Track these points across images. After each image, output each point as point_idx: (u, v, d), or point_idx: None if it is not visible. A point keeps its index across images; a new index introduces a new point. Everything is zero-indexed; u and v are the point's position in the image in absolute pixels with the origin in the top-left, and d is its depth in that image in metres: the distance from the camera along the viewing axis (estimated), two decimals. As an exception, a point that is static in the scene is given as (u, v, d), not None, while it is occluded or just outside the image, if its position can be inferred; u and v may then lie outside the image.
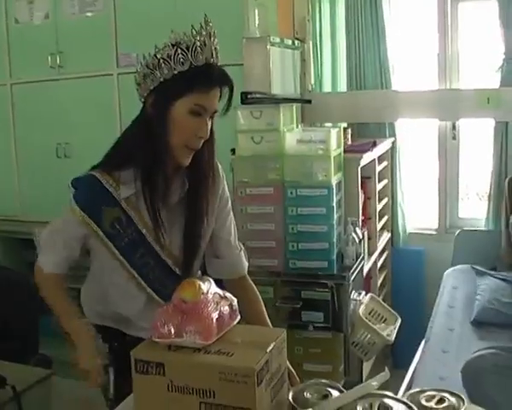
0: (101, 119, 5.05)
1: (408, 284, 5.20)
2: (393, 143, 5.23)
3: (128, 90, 4.29)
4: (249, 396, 1.76)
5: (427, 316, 4.40)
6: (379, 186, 4.86)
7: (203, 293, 1.92)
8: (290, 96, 4.60)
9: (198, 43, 2.17)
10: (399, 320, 4.10)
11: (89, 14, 5.02)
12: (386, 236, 5.17)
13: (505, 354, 2.91)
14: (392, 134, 5.25)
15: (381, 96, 5.18)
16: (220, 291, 1.98)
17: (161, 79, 2.18)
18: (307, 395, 1.91)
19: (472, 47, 5.29)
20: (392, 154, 5.25)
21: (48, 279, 2.40)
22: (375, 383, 1.88)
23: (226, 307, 1.96)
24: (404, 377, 3.67)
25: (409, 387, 3.37)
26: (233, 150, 3.94)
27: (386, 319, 4.11)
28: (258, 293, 2.63)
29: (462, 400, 1.83)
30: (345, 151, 4.14)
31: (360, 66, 5.24)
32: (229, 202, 2.62)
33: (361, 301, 3.96)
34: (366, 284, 4.48)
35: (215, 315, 1.90)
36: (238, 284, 2.56)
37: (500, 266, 4.65)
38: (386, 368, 1.96)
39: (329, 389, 1.92)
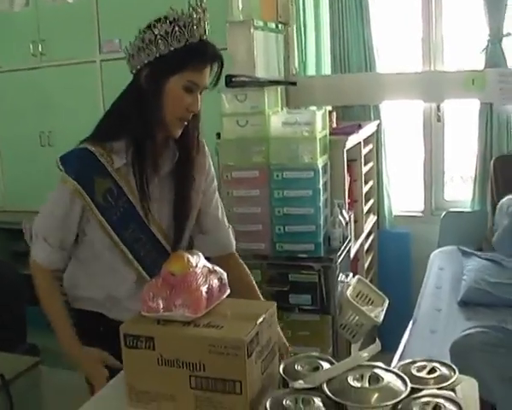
0: (84, 106, 5.01)
1: (394, 266, 5.22)
2: (378, 125, 5.23)
3: (111, 76, 4.26)
4: (239, 368, 1.78)
5: (414, 297, 4.42)
6: (365, 169, 4.86)
7: (192, 266, 1.94)
8: (275, 79, 4.59)
9: (194, 21, 2.21)
10: (387, 302, 4.10)
11: (70, 0, 4.95)
12: (372, 218, 5.18)
13: (492, 332, 2.93)
14: (377, 117, 5.25)
15: (365, 79, 5.19)
16: (209, 265, 2.00)
17: (157, 55, 2.21)
18: (298, 367, 1.92)
19: (456, 29, 5.30)
20: (377, 136, 5.26)
21: (44, 279, 2.40)
22: (365, 354, 1.89)
23: (215, 281, 1.98)
24: (392, 359, 3.67)
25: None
26: (218, 134, 3.92)
27: (373, 301, 4.11)
28: (248, 270, 2.68)
29: (454, 370, 1.85)
30: (330, 134, 4.12)
31: (344, 49, 5.24)
32: (215, 181, 2.66)
33: (348, 284, 3.96)
34: (353, 266, 4.48)
35: (204, 288, 1.92)
36: (227, 261, 2.56)
37: (486, 246, 4.67)
38: (377, 339, 1.97)
39: (320, 362, 1.94)
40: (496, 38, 4.92)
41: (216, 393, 1.81)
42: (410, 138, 5.62)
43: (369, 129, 4.96)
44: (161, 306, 1.89)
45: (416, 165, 5.52)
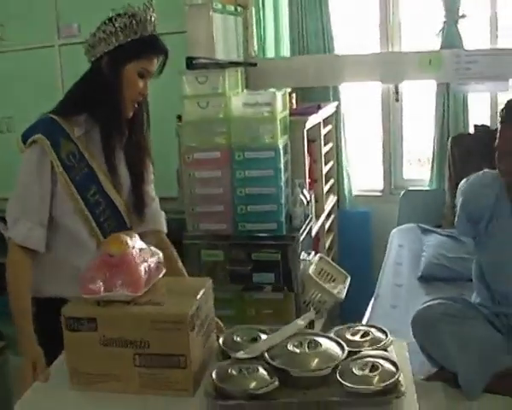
0: (43, 91, 4.90)
1: (355, 244, 5.29)
2: (338, 106, 5.30)
3: (70, 60, 4.25)
4: (183, 343, 1.87)
5: (375, 275, 4.50)
6: (324, 149, 4.92)
7: (129, 246, 2.02)
8: (236, 61, 4.62)
9: (148, 17, 2.53)
10: (349, 278, 4.16)
11: (28, -16, 4.93)
12: (332, 198, 5.25)
13: (452, 303, 3.00)
14: (337, 98, 5.32)
15: (324, 61, 5.23)
16: (145, 245, 2.12)
17: (116, 44, 2.49)
18: (237, 338, 2.02)
19: (413, 11, 5.37)
20: (336, 117, 5.33)
21: (22, 268, 2.45)
22: (301, 322, 2.06)
23: (152, 260, 2.08)
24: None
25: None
26: (179, 117, 3.94)
27: (335, 279, 4.17)
28: (176, 253, 2.80)
29: (386, 333, 2.00)
30: (290, 115, 4.15)
31: (303, 31, 5.30)
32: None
33: (311, 262, 4.01)
34: (315, 245, 4.54)
35: (142, 268, 2.01)
36: (158, 239, 2.73)
37: (445, 223, 4.76)
38: (312, 308, 2.09)
39: (258, 333, 2.04)
40: (452, 19, 5.01)
41: (160, 369, 1.90)
42: (368, 119, 5.69)
43: (328, 110, 5.03)
44: (102, 287, 1.95)
45: (375, 145, 5.59)
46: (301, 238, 3.91)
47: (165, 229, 2.86)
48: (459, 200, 3.11)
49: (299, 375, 1.81)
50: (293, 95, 4.76)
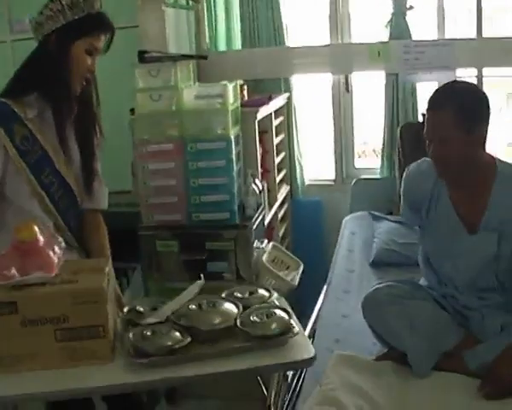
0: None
1: (308, 232, 5.37)
2: (289, 98, 5.37)
3: (23, 56, 4.25)
4: (101, 314, 2.07)
5: (328, 262, 4.53)
6: (276, 140, 5.00)
7: (38, 233, 2.15)
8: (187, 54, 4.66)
9: None
10: (302, 266, 4.21)
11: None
12: (285, 188, 5.32)
13: (399, 285, 3.06)
14: (288, 90, 5.39)
15: (275, 53, 5.31)
16: (46, 232, 2.24)
17: (64, 22, 2.57)
18: (140, 308, 2.28)
19: (362, 3, 5.46)
20: (288, 109, 5.40)
21: None
22: (195, 288, 2.39)
23: (56, 245, 2.21)
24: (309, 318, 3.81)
25: (313, 329, 3.50)
26: (132, 110, 3.97)
27: (289, 266, 4.21)
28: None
29: (270, 291, 2.41)
30: (242, 106, 4.22)
31: (254, 23, 5.34)
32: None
33: (264, 250, 4.07)
34: (268, 234, 4.60)
35: (51, 251, 2.16)
36: (96, 217, 2.92)
37: (395, 210, 4.82)
38: (202, 276, 2.46)
39: (157, 303, 2.33)
40: (400, 11, 5.10)
41: (80, 341, 2.06)
42: (320, 109, 5.77)
43: (279, 101, 5.09)
44: (16, 273, 2.05)
45: (326, 135, 5.68)
46: (254, 227, 3.97)
47: (104, 206, 2.98)
48: (401, 189, 3.21)
49: (207, 329, 2.13)
50: (245, 87, 4.82)
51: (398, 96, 5.19)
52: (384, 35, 5.18)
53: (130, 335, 2.08)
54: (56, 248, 2.20)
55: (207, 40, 5.22)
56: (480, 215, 2.84)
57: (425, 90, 5.18)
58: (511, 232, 2.78)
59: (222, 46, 5.36)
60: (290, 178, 5.49)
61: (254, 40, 5.36)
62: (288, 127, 5.42)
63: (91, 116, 2.82)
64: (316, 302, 4.05)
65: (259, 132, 4.45)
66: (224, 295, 2.37)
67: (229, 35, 5.41)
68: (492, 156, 2.87)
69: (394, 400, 2.64)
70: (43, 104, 2.63)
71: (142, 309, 2.28)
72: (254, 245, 3.99)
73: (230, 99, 3.89)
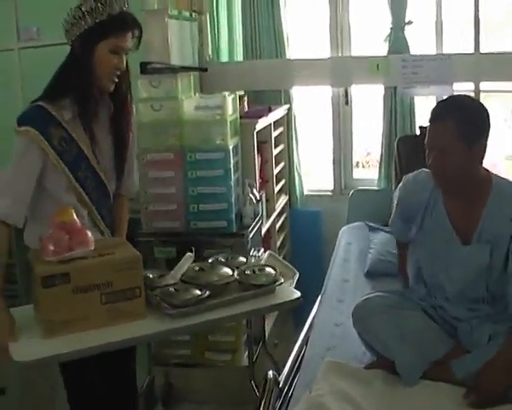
0: (3, 95, 5.00)
1: (306, 243, 5.44)
2: (289, 109, 5.44)
3: (30, 64, 4.28)
4: (138, 278, 2.46)
5: (325, 272, 4.56)
6: (275, 151, 5.07)
7: (74, 215, 2.51)
8: (188, 65, 4.73)
9: None
10: (297, 274, 4.24)
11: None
12: (284, 198, 5.39)
13: (390, 295, 3.12)
14: (288, 101, 5.45)
15: (276, 65, 5.37)
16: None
17: (86, 27, 2.70)
18: (149, 275, 2.67)
19: (363, 17, 5.54)
20: (287, 120, 5.47)
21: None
22: (187, 259, 2.80)
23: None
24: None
25: (307, 337, 3.56)
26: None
27: (284, 275, 4.22)
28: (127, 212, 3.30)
29: (247, 258, 3.00)
30: (241, 117, 4.32)
31: (256, 36, 5.42)
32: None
33: (260, 258, 4.14)
34: (266, 244, 4.68)
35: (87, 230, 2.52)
36: (122, 200, 3.20)
37: (391, 221, 4.89)
38: (193, 249, 2.90)
39: (161, 273, 2.73)
40: (398, 25, 5.17)
41: (122, 302, 2.42)
42: (319, 121, 5.84)
43: (279, 112, 5.17)
44: (64, 249, 2.39)
45: (325, 146, 5.75)
46: (250, 236, 4.05)
47: (133, 194, 3.35)
48: (395, 199, 3.28)
49: (218, 283, 2.60)
50: (245, 97, 4.90)
51: (396, 109, 5.25)
52: (383, 49, 5.24)
53: (158, 293, 2.48)
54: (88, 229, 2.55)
55: (210, 51, 5.29)
56: (474, 227, 2.91)
57: (423, 103, 5.25)
58: (503, 245, 2.85)
59: (224, 57, 5.42)
60: (289, 189, 5.56)
61: (256, 52, 5.44)
62: (287, 138, 5.49)
63: (125, 112, 2.97)
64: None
65: (258, 143, 4.53)
66: (210, 260, 2.91)
67: (232, 46, 5.47)
68: (488, 171, 2.96)
69: (383, 408, 2.70)
70: (76, 107, 2.78)
71: (151, 276, 2.65)
72: (251, 253, 4.05)
73: (229, 110, 3.99)
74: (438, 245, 3.00)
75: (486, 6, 5.13)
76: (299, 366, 3.25)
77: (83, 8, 2.69)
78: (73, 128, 2.78)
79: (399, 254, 3.49)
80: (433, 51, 5.32)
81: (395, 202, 3.32)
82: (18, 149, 2.72)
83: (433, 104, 5.18)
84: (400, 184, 3.26)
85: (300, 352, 3.42)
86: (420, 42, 5.31)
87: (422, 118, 5.17)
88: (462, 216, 2.95)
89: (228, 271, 2.72)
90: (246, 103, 4.86)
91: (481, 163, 2.90)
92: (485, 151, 2.87)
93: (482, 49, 5.14)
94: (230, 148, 3.95)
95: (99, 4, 2.68)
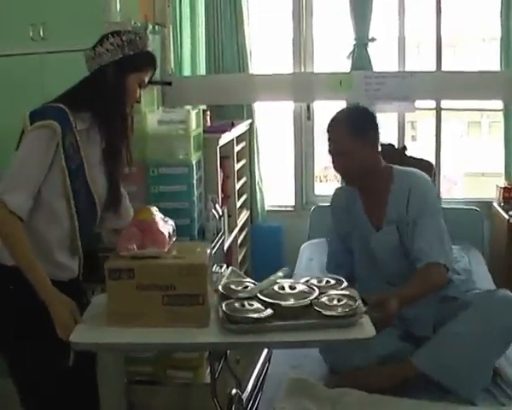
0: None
1: (267, 258, 5.38)
2: (251, 124, 5.46)
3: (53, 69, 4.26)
4: (202, 285, 2.48)
5: (287, 288, 4.58)
6: (237, 166, 5.07)
7: (155, 215, 2.64)
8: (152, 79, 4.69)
9: (145, 34, 2.91)
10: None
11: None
12: (245, 213, 5.39)
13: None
14: (250, 116, 5.48)
15: (238, 80, 5.41)
16: (162, 216, 2.73)
17: (121, 56, 2.75)
18: (233, 286, 2.68)
19: (326, 33, 5.58)
20: (250, 135, 5.49)
21: (17, 228, 2.58)
22: (280, 273, 2.74)
23: (169, 227, 2.66)
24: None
25: (269, 352, 3.54)
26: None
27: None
28: None
29: (341, 280, 2.74)
30: (204, 132, 4.30)
31: (219, 50, 5.45)
32: None
33: (222, 274, 4.10)
34: (228, 259, 4.65)
35: (165, 231, 2.59)
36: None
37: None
38: (287, 267, 2.82)
39: (247, 283, 2.74)
40: (362, 42, 5.22)
41: (183, 307, 2.45)
42: (281, 136, 5.85)
43: (241, 127, 5.18)
44: (135, 246, 2.49)
45: (287, 162, 5.76)
46: (213, 252, 4.02)
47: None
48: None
49: (286, 305, 2.48)
50: (208, 112, 4.89)
51: (359, 124, 5.27)
52: (346, 65, 5.28)
53: (223, 306, 2.45)
54: (170, 230, 2.64)
55: (172, 65, 5.28)
56: (383, 213, 3.22)
57: (385, 120, 5.29)
58: (405, 221, 3.15)
59: (187, 71, 5.42)
60: (250, 204, 5.57)
61: (219, 66, 5.46)
62: (249, 153, 5.51)
63: (126, 144, 2.96)
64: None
65: (221, 158, 4.51)
66: (303, 281, 2.74)
67: (194, 60, 5.46)
68: (388, 164, 3.29)
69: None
70: (94, 122, 2.79)
71: (233, 287, 2.67)
72: (213, 270, 4.02)
73: (193, 125, 3.97)
74: (361, 237, 3.29)
75: (448, 25, 5.20)
76: (262, 384, 3.23)
77: (123, 38, 2.76)
78: (82, 140, 2.76)
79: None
80: (395, 68, 5.36)
81: None
82: (35, 141, 2.65)
83: (396, 121, 5.34)
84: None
85: (263, 369, 3.40)
86: (383, 59, 5.37)
87: (384, 134, 5.20)
88: (374, 206, 3.26)
89: (307, 294, 2.59)
90: (208, 118, 4.84)
91: (379, 156, 3.24)
92: (377, 142, 3.23)
93: (444, 67, 5.21)
94: (194, 163, 3.92)
95: (137, 38, 2.79)
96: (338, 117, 3.23)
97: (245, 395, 3.10)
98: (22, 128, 2.70)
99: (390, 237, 3.18)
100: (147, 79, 2.91)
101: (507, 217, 4.91)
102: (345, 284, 2.69)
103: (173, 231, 2.69)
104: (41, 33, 4.26)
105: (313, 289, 2.61)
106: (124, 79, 2.80)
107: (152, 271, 2.46)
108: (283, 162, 5.92)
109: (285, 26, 5.55)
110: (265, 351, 3.63)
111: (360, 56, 5.24)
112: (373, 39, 5.25)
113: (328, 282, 2.74)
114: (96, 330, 2.48)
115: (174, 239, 2.67)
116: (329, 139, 3.19)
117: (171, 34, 5.25)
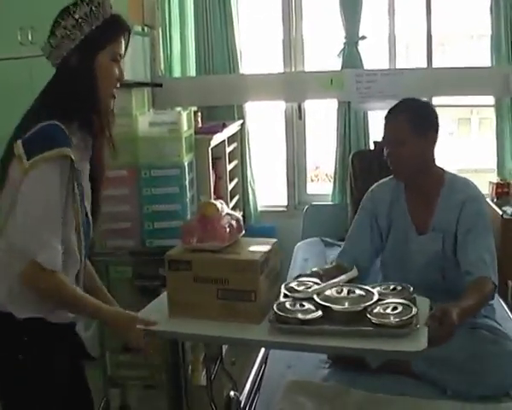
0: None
1: (261, 259, 5.36)
2: (242, 124, 5.43)
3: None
4: (254, 282, 2.47)
5: (281, 289, 4.56)
6: (229, 167, 5.05)
7: (219, 210, 2.66)
8: (141, 81, 4.68)
9: None
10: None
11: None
12: (238, 214, 5.33)
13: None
14: (241, 116, 5.45)
15: (229, 80, 5.38)
16: (229, 210, 2.75)
17: (82, 37, 2.32)
18: (297, 287, 2.65)
19: (316, 32, 5.56)
20: (241, 135, 5.46)
21: (65, 287, 2.31)
22: (345, 277, 2.73)
23: (234, 222, 2.66)
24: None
25: (266, 353, 3.52)
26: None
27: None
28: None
29: (409, 287, 2.60)
30: (195, 133, 4.28)
31: (209, 51, 5.40)
32: None
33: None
34: (221, 260, 4.63)
35: (227, 227, 2.60)
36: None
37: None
38: (355, 267, 2.83)
39: (309, 283, 2.69)
40: (352, 40, 5.21)
41: (236, 301, 2.48)
42: (273, 136, 5.84)
43: (233, 128, 5.16)
44: (196, 240, 2.57)
45: (279, 162, 5.74)
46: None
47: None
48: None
49: (337, 309, 2.43)
50: (199, 113, 4.88)
51: (350, 123, 5.29)
52: (337, 64, 5.26)
53: (275, 305, 2.45)
54: (233, 225, 2.63)
55: (162, 66, 5.26)
56: (429, 218, 3.15)
57: (377, 118, 5.28)
58: (453, 232, 3.08)
59: (177, 72, 5.41)
60: (243, 205, 5.54)
61: (209, 67, 5.42)
62: (241, 154, 5.48)
63: (109, 143, 2.58)
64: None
65: (213, 159, 4.49)
66: (368, 285, 2.65)
67: (184, 61, 5.45)
68: (441, 167, 3.22)
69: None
70: (84, 134, 2.39)
71: (296, 287, 2.65)
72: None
73: (184, 126, 3.94)
74: (399, 236, 3.22)
75: (438, 21, 5.19)
76: (259, 385, 3.22)
77: (76, 16, 2.30)
78: (77, 158, 2.32)
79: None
80: (386, 66, 5.36)
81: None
82: (51, 177, 2.24)
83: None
84: (366, 194, 3.42)
85: (260, 370, 3.39)
86: (373, 57, 5.35)
87: (376, 133, 5.20)
88: (420, 208, 3.18)
89: (365, 301, 2.48)
90: (199, 119, 4.83)
91: (434, 158, 3.18)
92: (435, 143, 3.15)
93: (435, 64, 5.21)
94: (186, 164, 3.90)
95: (93, 8, 2.31)
96: (402, 105, 3.18)
97: (242, 397, 3.10)
98: (8, 155, 2.31)
99: (433, 244, 3.12)
100: (121, 49, 2.42)
101: (500, 212, 4.90)
102: (411, 289, 2.59)
103: (238, 226, 2.69)
104: (29, 37, 4.17)
105: (372, 295, 2.53)
106: (92, 62, 2.34)
107: (207, 264, 2.52)
108: (275, 162, 5.90)
109: (275, 25, 5.53)
110: (262, 351, 3.62)
111: (351, 55, 5.23)
112: (363, 37, 5.24)
113: (394, 289, 2.63)
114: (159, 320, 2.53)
115: (241, 234, 2.69)
116: (386, 126, 3.16)
117: (160, 36, 5.25)
